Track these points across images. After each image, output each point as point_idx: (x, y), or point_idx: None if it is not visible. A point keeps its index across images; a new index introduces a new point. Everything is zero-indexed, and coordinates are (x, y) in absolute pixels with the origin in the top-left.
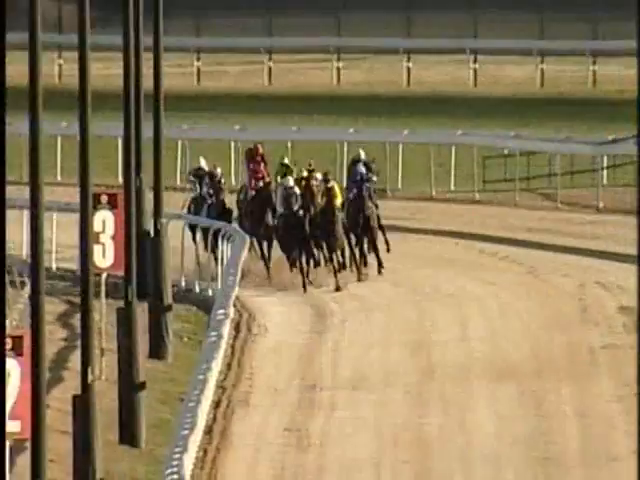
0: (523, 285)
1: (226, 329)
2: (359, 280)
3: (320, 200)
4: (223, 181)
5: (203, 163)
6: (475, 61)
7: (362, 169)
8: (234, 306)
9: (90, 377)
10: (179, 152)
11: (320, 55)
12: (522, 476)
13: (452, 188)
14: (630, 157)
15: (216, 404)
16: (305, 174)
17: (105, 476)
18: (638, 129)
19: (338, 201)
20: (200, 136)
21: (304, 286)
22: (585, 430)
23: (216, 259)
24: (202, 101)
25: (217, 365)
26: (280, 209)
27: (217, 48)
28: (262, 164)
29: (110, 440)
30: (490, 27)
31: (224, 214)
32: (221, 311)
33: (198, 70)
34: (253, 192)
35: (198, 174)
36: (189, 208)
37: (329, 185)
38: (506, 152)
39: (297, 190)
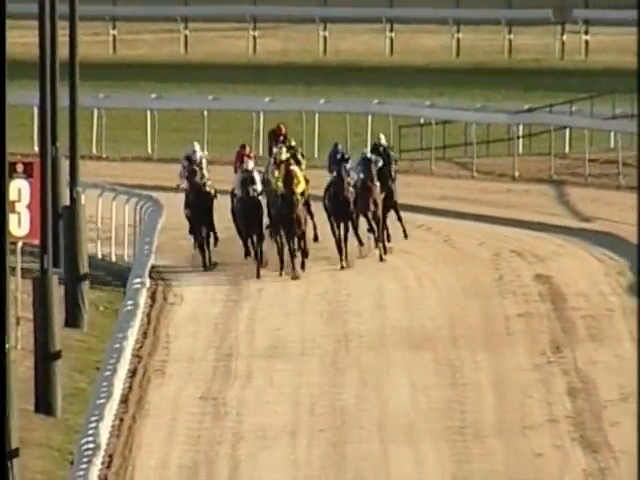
0: (439, 254)
1: (142, 298)
2: (342, 268)
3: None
4: (204, 162)
5: (197, 148)
6: (391, 30)
7: (340, 149)
8: (150, 275)
9: (6, 346)
10: (95, 121)
11: (236, 24)
12: (438, 445)
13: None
14: (545, 126)
15: (132, 373)
16: (283, 157)
17: (20, 445)
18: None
19: (300, 186)
20: (116, 105)
21: (258, 274)
22: (500, 399)
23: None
24: (118, 70)
25: (133, 334)
26: (237, 192)
27: (133, 16)
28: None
29: (26, 409)
30: None
31: (202, 205)
32: (137, 280)
33: (114, 38)
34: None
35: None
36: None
37: (290, 169)
38: (422, 121)
39: (256, 174)
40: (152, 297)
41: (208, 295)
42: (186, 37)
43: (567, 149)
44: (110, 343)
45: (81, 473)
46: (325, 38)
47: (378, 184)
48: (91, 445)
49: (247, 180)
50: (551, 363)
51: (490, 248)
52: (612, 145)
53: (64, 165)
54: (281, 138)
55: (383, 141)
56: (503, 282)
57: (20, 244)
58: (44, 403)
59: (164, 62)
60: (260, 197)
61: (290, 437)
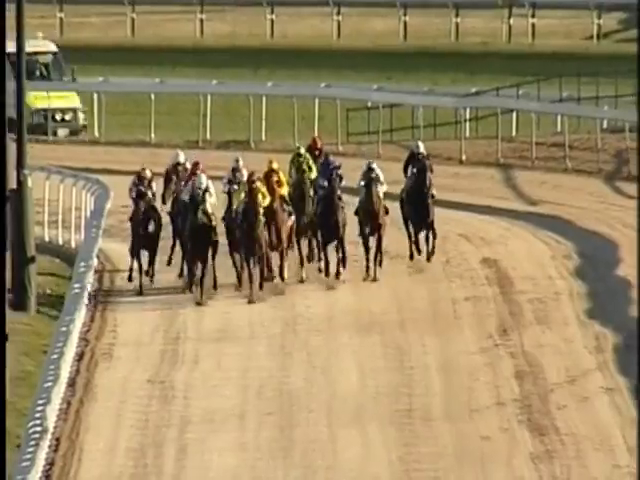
0: (386, 237)
1: (89, 281)
2: (329, 289)
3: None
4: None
5: (182, 158)
6: (338, 13)
7: (334, 162)
8: (97, 258)
9: None
10: None
11: (183, 7)
12: (385, 428)
13: None
14: (492, 109)
15: (79, 356)
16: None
17: None
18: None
19: (265, 201)
20: (63, 88)
21: (200, 300)
22: (448, 382)
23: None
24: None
25: (80, 317)
26: (188, 214)
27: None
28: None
29: None
30: None
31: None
32: (84, 263)
33: (61, 22)
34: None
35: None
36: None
37: (253, 185)
38: (369, 104)
39: (211, 190)
40: (99, 280)
41: (156, 278)
42: (133, 20)
43: (514, 132)
44: (57, 327)
45: (28, 457)
46: (272, 21)
47: (381, 195)
48: (38, 428)
49: (197, 200)
50: (498, 346)
51: (438, 231)
52: (559, 128)
53: (11, 148)
54: (316, 152)
55: (421, 149)
56: (450, 265)
57: None
58: None
59: (111, 45)
60: (212, 219)
61: (238, 420)
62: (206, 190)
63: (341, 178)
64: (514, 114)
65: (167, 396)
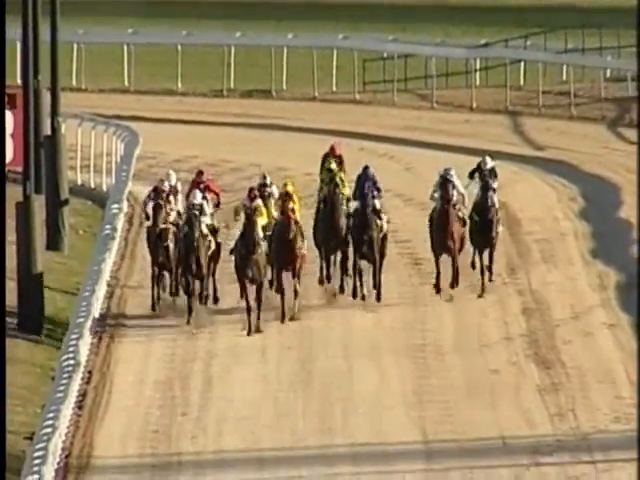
0: (401, 181)
1: (120, 222)
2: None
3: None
4: (178, 195)
5: (173, 179)
6: None
7: (373, 177)
8: (127, 200)
9: None
10: (75, 55)
11: None
12: (400, 361)
13: (334, 89)
14: (501, 60)
15: (110, 294)
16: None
17: (7, 362)
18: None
19: (263, 221)
20: (95, 40)
21: (188, 320)
22: (459, 319)
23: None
24: (97, 6)
25: (111, 257)
26: (183, 229)
27: None
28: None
29: (10, 327)
30: None
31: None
32: (115, 205)
33: None
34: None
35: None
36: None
37: (254, 204)
38: (385, 55)
39: (207, 208)
40: (129, 221)
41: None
42: None
43: (522, 81)
44: (89, 265)
45: (62, 388)
46: None
47: (460, 214)
48: (72, 362)
49: (192, 218)
50: (507, 284)
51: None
52: (564, 77)
53: (45, 97)
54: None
55: (488, 165)
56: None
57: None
58: (27, 322)
59: None
60: (208, 237)
61: (260, 354)
62: (201, 209)
63: (379, 190)
64: (522, 64)
65: (193, 331)
